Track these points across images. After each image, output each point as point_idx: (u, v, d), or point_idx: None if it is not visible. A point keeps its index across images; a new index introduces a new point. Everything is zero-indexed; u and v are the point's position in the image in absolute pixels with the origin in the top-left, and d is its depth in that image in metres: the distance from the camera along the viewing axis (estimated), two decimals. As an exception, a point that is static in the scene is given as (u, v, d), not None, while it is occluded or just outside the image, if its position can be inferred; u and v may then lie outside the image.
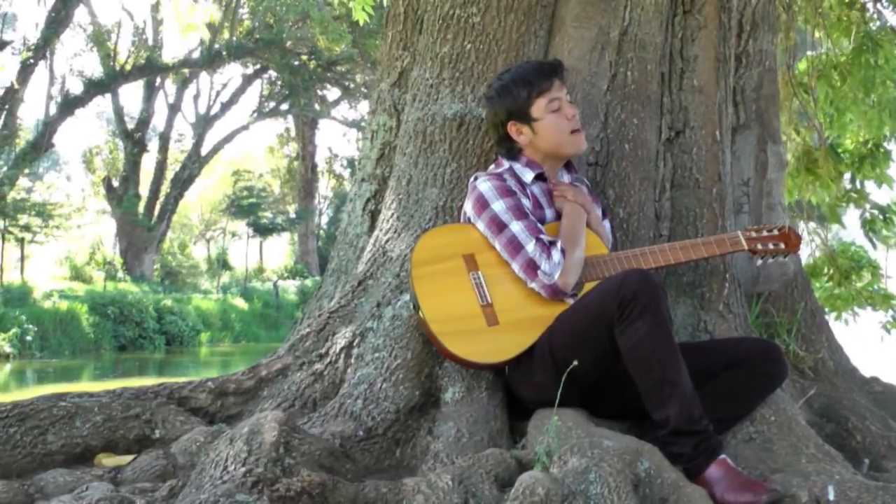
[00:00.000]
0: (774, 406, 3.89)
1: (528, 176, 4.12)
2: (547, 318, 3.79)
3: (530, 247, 3.84)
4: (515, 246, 3.87)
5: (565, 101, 4.10)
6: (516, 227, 3.89)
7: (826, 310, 7.17)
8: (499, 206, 3.94)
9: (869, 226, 7.15)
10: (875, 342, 7.16)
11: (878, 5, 7.64)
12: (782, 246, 4.23)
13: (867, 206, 7.19)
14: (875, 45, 7.04)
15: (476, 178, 4.09)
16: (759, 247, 4.19)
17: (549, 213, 4.12)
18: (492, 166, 4.24)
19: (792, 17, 7.02)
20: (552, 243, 3.85)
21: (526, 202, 4.03)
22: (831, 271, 6.99)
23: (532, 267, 3.83)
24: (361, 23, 8.20)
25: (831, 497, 3.23)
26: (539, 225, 3.95)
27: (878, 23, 7.51)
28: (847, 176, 7.44)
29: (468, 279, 3.89)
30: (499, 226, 3.92)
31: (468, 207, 4.06)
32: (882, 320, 7.13)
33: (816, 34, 7.61)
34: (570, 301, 3.84)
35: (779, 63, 7.09)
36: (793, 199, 7.38)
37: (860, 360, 5.15)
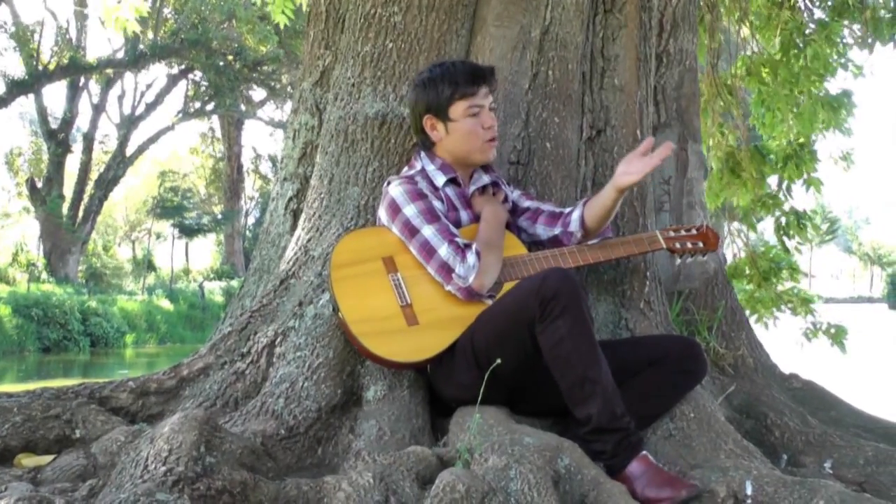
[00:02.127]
0: (694, 402, 3.93)
1: (439, 180, 4.12)
2: (467, 316, 3.80)
3: (443, 250, 3.84)
4: (428, 250, 3.87)
5: (487, 109, 4.09)
6: (428, 230, 3.89)
7: (747, 312, 7.22)
8: (410, 210, 3.93)
9: (782, 230, 7.19)
10: (795, 347, 7.19)
11: (808, 2, 7.70)
12: (701, 245, 4.27)
13: (781, 211, 7.22)
14: (804, 41, 7.10)
15: (388, 183, 4.08)
16: (678, 246, 4.23)
17: (464, 216, 4.13)
18: (405, 168, 4.24)
19: (717, 18, 7.07)
20: (467, 246, 3.85)
21: (439, 205, 4.03)
22: (752, 273, 7.02)
23: (446, 270, 3.83)
24: (282, 26, 8.17)
25: (749, 492, 3.27)
26: (452, 227, 3.95)
27: (808, 20, 7.56)
28: (775, 178, 7.48)
29: (388, 281, 3.88)
30: (411, 230, 3.92)
31: (382, 212, 4.06)
32: (802, 326, 7.16)
33: (743, 34, 7.67)
34: (489, 301, 3.85)
35: (704, 64, 7.16)
36: (720, 201, 7.42)
37: (782, 363, 5.20)
